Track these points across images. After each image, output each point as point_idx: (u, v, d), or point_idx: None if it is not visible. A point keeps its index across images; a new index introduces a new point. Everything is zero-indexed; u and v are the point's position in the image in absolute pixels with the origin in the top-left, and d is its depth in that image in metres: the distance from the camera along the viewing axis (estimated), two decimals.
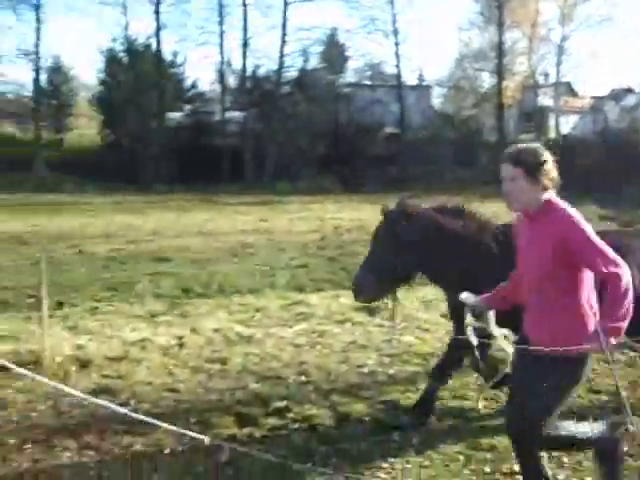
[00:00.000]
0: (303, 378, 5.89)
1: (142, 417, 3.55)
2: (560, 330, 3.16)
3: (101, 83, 42.98)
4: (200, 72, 43.12)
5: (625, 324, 3.03)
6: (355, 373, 6.06)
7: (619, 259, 3.08)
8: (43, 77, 43.18)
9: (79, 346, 6.75)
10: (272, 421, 4.91)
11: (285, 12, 38.17)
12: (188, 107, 42.06)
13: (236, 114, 39.01)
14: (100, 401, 3.84)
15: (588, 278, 3.19)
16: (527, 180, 3.20)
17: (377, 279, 4.58)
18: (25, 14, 43.12)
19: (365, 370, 6.13)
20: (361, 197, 26.37)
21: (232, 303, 8.90)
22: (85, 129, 47.10)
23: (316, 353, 6.66)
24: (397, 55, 39.12)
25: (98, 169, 35.57)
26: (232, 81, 42.26)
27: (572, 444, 3.50)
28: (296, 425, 4.80)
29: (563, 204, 3.21)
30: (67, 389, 3.65)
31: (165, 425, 3.33)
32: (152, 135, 38.45)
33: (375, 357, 6.46)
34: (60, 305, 8.66)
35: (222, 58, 40.17)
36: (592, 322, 3.13)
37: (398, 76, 39.45)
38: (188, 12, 41.47)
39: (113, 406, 3.69)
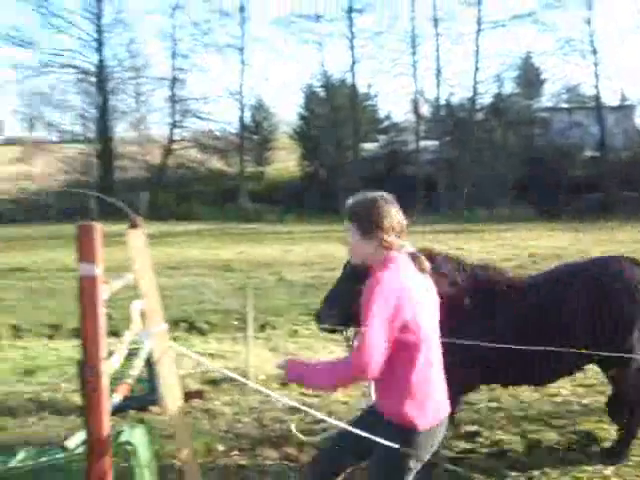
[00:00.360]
0: (495, 404, 5.89)
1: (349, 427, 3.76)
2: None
3: (300, 118, 45.06)
4: (394, 103, 43.86)
5: (310, 385, 2.95)
6: (548, 401, 5.96)
7: (367, 349, 2.70)
8: (247, 114, 46.15)
9: None
10: (462, 444, 4.98)
11: (477, 39, 38.02)
12: (383, 137, 42.91)
13: (430, 143, 39.23)
14: (317, 413, 4.14)
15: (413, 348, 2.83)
16: (360, 235, 2.93)
17: (339, 309, 4.44)
18: (231, 57, 46.31)
19: (558, 399, 6.01)
20: (559, 224, 25.50)
21: None
22: (285, 162, 49.49)
23: None
24: (596, 75, 37.56)
25: (297, 199, 37.26)
26: (426, 110, 42.62)
27: None
28: (486, 449, 4.83)
29: (392, 266, 2.85)
30: (288, 401, 3.97)
31: (370, 436, 3.51)
32: (348, 166, 39.62)
33: (569, 387, 6.31)
34: (263, 328, 9.27)
35: (415, 88, 40.70)
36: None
37: (597, 97, 37.80)
38: (381, 45, 42.41)
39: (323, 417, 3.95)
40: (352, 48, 40.18)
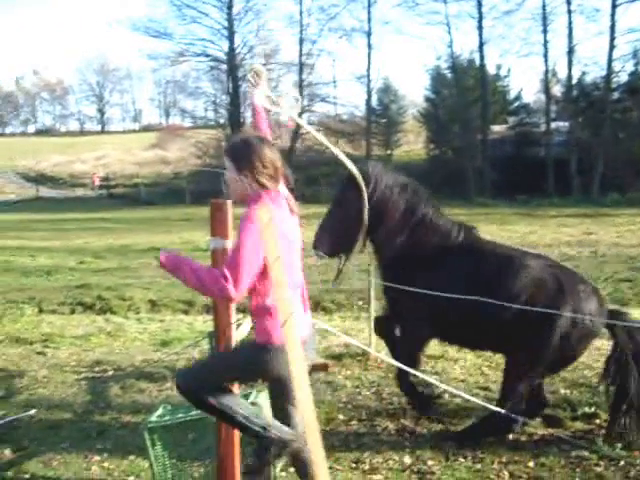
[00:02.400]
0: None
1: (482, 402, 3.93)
2: None
3: (427, 100, 44.71)
4: (524, 83, 42.74)
5: (178, 277, 3.07)
6: None
7: (233, 275, 2.97)
8: (374, 98, 46.27)
9: None
10: (578, 425, 4.98)
11: (613, 15, 36.06)
12: (512, 119, 41.90)
13: (562, 124, 37.96)
14: (451, 388, 4.32)
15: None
16: (235, 173, 3.12)
17: (335, 237, 5.13)
18: (358, 41, 46.51)
19: None
20: None
21: None
22: (412, 145, 49.27)
23: None
24: None
25: (424, 182, 36.80)
26: (557, 90, 41.20)
27: (236, 423, 3.34)
28: (602, 431, 4.81)
29: (260, 204, 3.04)
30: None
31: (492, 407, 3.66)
32: (476, 148, 39.00)
33: None
34: None
35: (546, 67, 39.41)
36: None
37: None
38: (511, 24, 41.29)
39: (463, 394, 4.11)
40: (480, 28, 39.42)
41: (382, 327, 5.65)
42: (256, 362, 3.23)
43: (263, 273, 3.07)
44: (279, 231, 2.96)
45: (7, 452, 4.89)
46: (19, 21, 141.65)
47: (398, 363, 4.81)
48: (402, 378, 5.09)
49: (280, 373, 3.18)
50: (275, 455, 3.32)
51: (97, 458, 4.74)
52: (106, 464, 4.64)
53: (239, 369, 3.34)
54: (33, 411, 3.66)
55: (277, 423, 3.35)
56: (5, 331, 8.82)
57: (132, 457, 4.71)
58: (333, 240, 5.21)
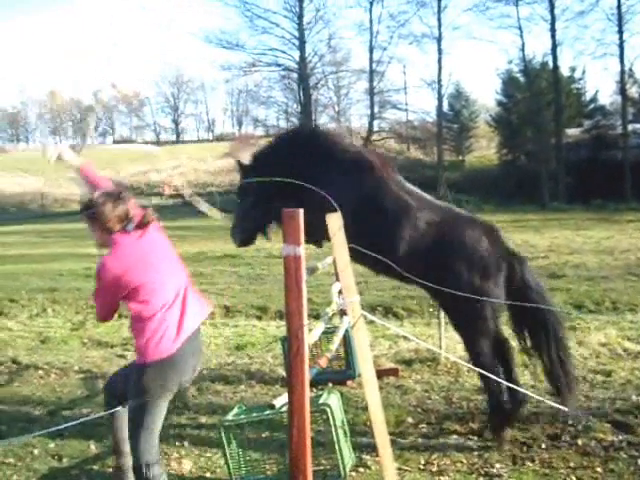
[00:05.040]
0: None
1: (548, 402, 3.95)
2: None
3: (499, 104, 44.19)
4: (599, 85, 41.81)
5: None
6: None
7: (96, 307, 3.80)
8: (445, 103, 46.01)
9: None
10: None
11: None
12: (587, 122, 41.00)
13: (639, 126, 36.95)
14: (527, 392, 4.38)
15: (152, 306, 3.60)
16: (92, 230, 3.72)
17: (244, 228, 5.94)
18: (428, 47, 46.37)
19: None
20: None
21: (624, 320, 8.79)
22: (484, 150, 48.72)
23: None
24: None
25: (497, 188, 36.65)
26: (634, 91, 40.11)
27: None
28: None
29: (115, 248, 3.60)
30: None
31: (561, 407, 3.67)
32: (549, 153, 38.33)
33: None
34: None
35: (622, 68, 38.44)
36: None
37: None
38: (585, 25, 40.46)
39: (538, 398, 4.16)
40: (553, 30, 38.74)
41: None
42: (146, 381, 3.60)
43: (132, 299, 3.60)
44: (138, 258, 3.59)
45: (92, 447, 5.19)
46: (96, 38, 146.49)
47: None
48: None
49: (150, 388, 3.60)
50: None
51: (175, 455, 4.97)
52: (184, 461, 4.87)
53: (144, 396, 3.63)
54: (119, 408, 3.90)
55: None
56: (88, 335, 9.23)
57: (209, 454, 4.92)
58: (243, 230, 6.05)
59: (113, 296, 3.62)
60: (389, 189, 5.30)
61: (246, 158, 6.06)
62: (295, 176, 4.94)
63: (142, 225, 3.70)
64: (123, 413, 3.88)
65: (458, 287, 4.65)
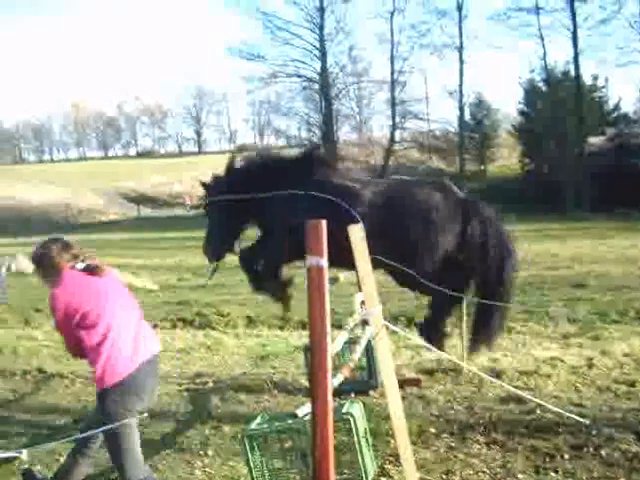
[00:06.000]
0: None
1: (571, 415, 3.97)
2: None
3: (521, 113, 44.01)
4: (622, 93, 41.56)
5: None
6: None
7: (66, 344, 4.10)
8: (466, 112, 45.93)
9: (493, 359, 7.39)
10: None
11: None
12: (610, 130, 40.71)
13: None
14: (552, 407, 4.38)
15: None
16: (41, 275, 4.09)
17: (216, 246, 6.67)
18: (449, 57, 46.34)
19: None
20: None
21: None
22: (506, 159, 48.50)
23: None
24: None
25: (519, 197, 36.45)
26: None
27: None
28: None
29: (63, 284, 3.90)
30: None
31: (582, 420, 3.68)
32: (572, 161, 38.10)
33: None
34: None
35: None
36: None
37: None
38: (607, 33, 40.27)
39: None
40: (575, 39, 38.59)
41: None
42: (109, 406, 3.84)
43: (83, 326, 3.84)
44: (84, 285, 3.92)
45: None
46: (120, 51, 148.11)
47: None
48: None
49: (114, 411, 3.82)
50: None
51: (199, 464, 5.02)
52: (208, 469, 4.92)
53: (111, 421, 3.83)
54: (145, 414, 3.98)
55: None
56: None
57: (232, 463, 4.96)
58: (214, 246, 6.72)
59: (69, 325, 3.87)
60: (330, 181, 6.06)
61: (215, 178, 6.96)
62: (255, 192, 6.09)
63: (93, 270, 4.03)
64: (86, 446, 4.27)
65: (416, 241, 4.93)
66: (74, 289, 3.90)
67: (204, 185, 6.81)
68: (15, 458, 4.43)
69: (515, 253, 6.25)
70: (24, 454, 3.93)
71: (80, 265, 4.03)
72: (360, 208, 5.56)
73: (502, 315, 6.16)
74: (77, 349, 3.99)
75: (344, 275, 5.94)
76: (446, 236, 5.81)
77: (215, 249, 6.74)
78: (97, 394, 3.91)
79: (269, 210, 6.21)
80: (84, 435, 4.10)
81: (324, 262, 3.66)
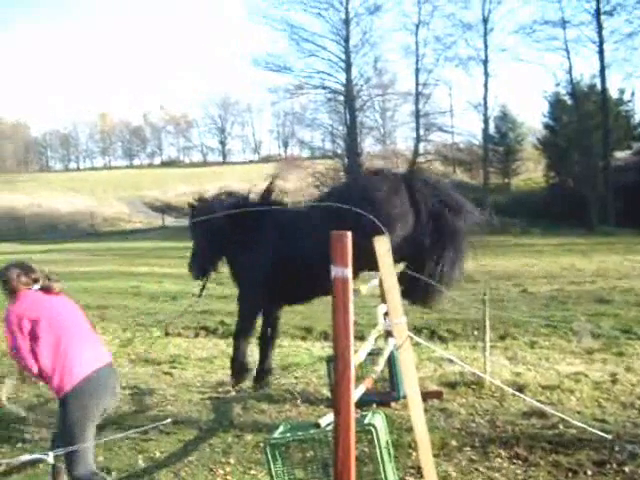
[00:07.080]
0: None
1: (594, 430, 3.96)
2: None
3: (546, 127, 43.75)
4: None
5: None
6: None
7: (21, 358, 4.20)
8: (491, 125, 45.74)
9: (516, 373, 7.38)
10: None
11: None
12: (637, 144, 40.38)
13: None
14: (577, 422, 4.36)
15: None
16: (7, 295, 4.35)
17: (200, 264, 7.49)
18: (474, 70, 46.20)
19: None
20: None
21: None
22: (531, 173, 48.26)
23: None
24: None
25: (544, 211, 36.24)
26: None
27: None
28: None
29: (19, 301, 4.27)
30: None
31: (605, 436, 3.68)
32: (598, 176, 37.80)
33: None
34: (502, 337, 9.42)
35: None
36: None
37: None
38: (634, 47, 39.90)
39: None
40: (601, 52, 38.36)
41: None
42: (69, 411, 4.10)
43: (35, 338, 4.12)
44: (35, 299, 4.28)
45: (140, 461, 5.30)
46: (147, 62, 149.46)
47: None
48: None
49: (74, 416, 4.09)
50: None
51: (221, 472, 5.05)
52: (229, 478, 4.95)
53: (73, 427, 4.12)
54: (168, 420, 4.02)
55: None
56: (135, 352, 9.41)
57: (253, 472, 4.99)
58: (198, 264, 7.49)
59: (22, 335, 4.16)
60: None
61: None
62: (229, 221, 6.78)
63: (47, 289, 4.39)
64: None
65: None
66: (27, 303, 4.27)
67: (191, 206, 7.68)
68: (41, 460, 4.50)
69: (465, 203, 7.06)
70: (50, 457, 3.98)
71: (36, 286, 4.38)
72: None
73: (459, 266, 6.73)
74: (35, 363, 4.17)
75: (368, 286, 5.95)
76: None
77: (199, 267, 7.55)
78: (59, 402, 4.19)
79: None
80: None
81: (349, 273, 3.68)
